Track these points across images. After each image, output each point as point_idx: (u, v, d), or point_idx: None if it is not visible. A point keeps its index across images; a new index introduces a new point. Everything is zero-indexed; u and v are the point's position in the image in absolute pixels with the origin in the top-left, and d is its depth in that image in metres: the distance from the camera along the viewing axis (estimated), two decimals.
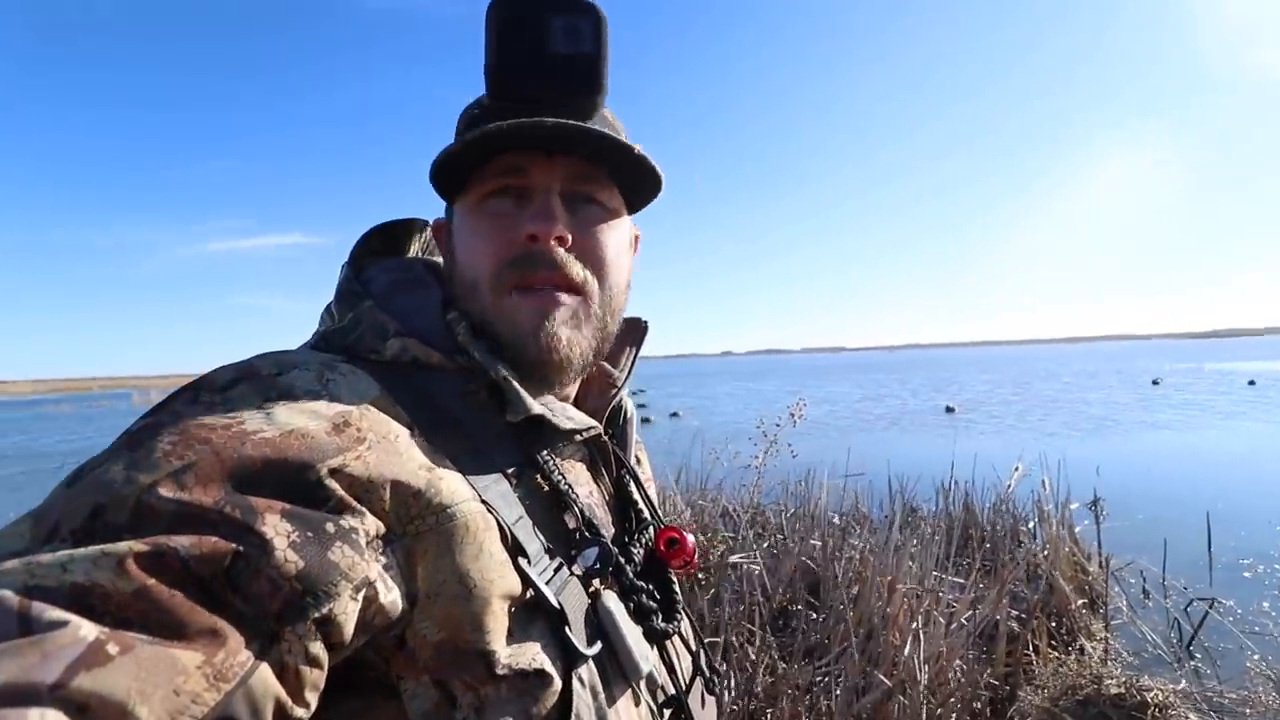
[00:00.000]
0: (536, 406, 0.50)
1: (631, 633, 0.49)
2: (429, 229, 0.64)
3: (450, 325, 0.52)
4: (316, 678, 0.36)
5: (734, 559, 2.93)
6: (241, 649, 0.32)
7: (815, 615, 2.80)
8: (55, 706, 0.26)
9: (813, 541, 3.27)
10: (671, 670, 0.55)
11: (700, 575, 2.88)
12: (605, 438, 0.59)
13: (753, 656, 2.35)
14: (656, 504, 0.64)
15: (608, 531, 0.55)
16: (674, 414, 18.75)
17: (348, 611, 0.37)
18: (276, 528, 0.35)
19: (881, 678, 2.25)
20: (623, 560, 0.52)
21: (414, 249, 0.65)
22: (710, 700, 0.61)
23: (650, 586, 0.54)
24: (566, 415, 0.53)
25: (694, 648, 0.60)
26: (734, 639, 2.46)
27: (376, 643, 0.40)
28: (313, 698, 0.36)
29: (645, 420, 17.24)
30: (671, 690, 0.54)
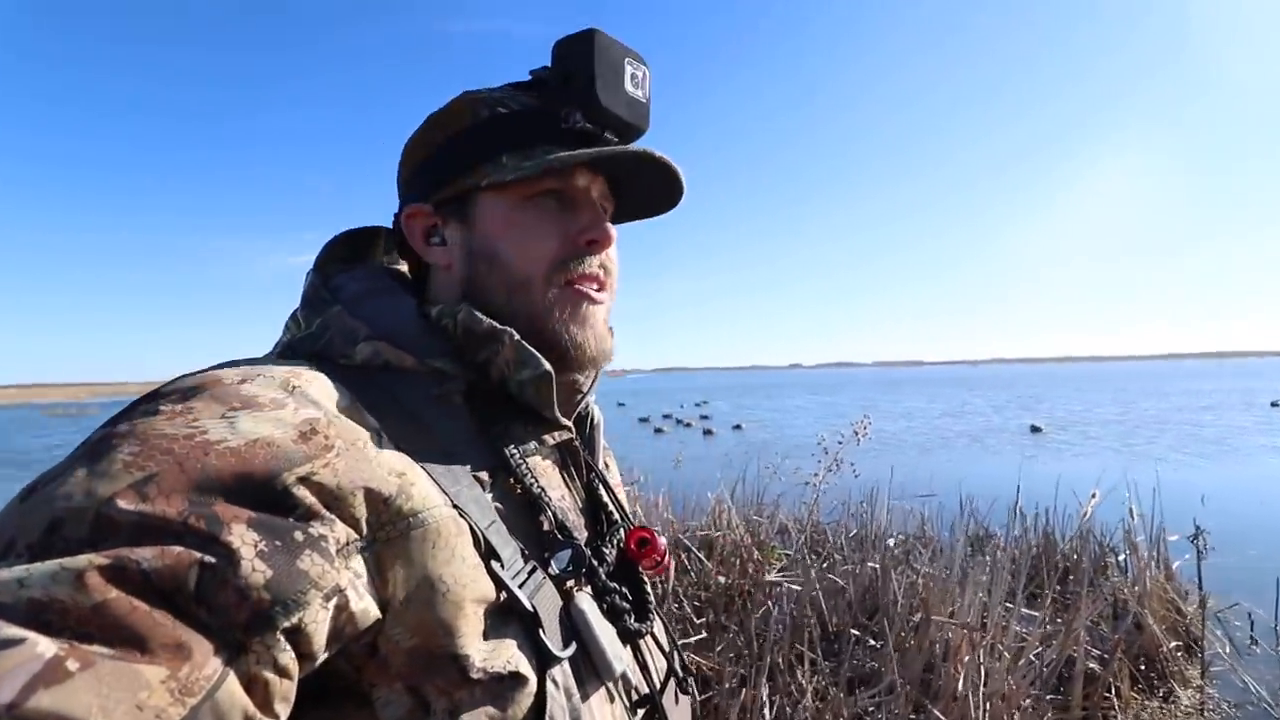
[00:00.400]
0: (546, 365, 0.52)
1: (605, 633, 0.49)
2: (405, 223, 0.59)
3: (436, 320, 0.53)
4: (286, 689, 0.36)
5: (772, 577, 2.84)
6: (207, 662, 0.32)
7: (871, 642, 2.68)
8: None
9: (871, 565, 3.13)
10: (645, 670, 0.55)
11: (750, 591, 2.82)
12: (576, 442, 0.61)
13: (800, 680, 2.27)
14: (627, 508, 0.65)
15: (580, 534, 0.56)
16: (737, 426, 18.45)
17: (318, 620, 0.37)
18: (243, 537, 0.35)
19: (938, 715, 2.12)
20: (595, 562, 0.52)
21: (380, 258, 0.65)
22: (684, 700, 0.61)
23: (623, 588, 0.54)
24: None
25: (667, 648, 0.61)
26: (780, 660, 2.38)
27: (348, 651, 0.40)
28: (283, 709, 0.36)
29: (707, 432, 17.05)
30: (645, 690, 0.54)
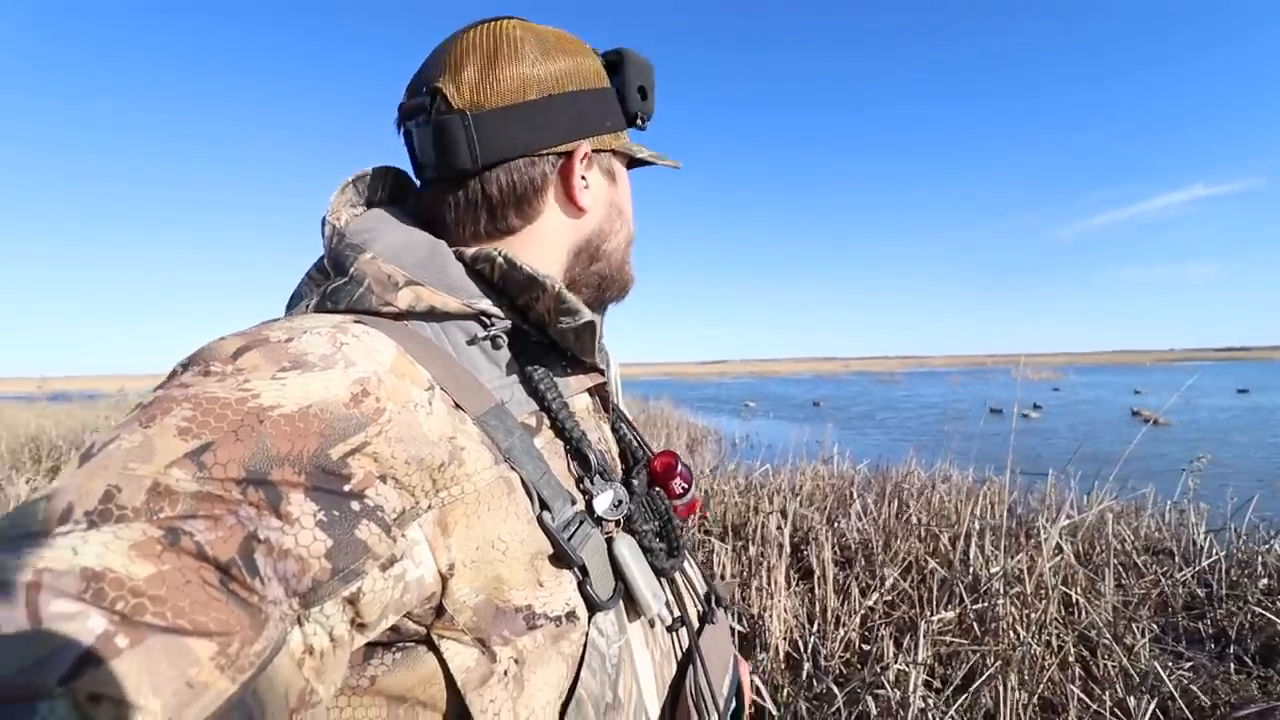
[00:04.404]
0: (588, 314, 0.53)
1: (643, 573, 0.52)
2: (570, 158, 0.57)
3: (472, 262, 0.53)
4: (341, 658, 0.36)
5: None
6: (260, 635, 0.31)
7: None
8: (63, 700, 0.25)
9: None
10: (681, 600, 0.60)
11: None
12: (607, 385, 0.64)
13: None
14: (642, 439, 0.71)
15: (617, 474, 0.60)
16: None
17: (375, 590, 0.37)
18: (302, 506, 0.35)
19: None
20: (631, 502, 0.55)
21: (382, 199, 0.61)
22: (722, 619, 0.67)
23: (657, 522, 0.58)
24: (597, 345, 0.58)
25: (699, 583, 0.67)
26: None
27: (413, 615, 0.40)
28: (337, 677, 0.36)
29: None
30: (678, 615, 0.59)
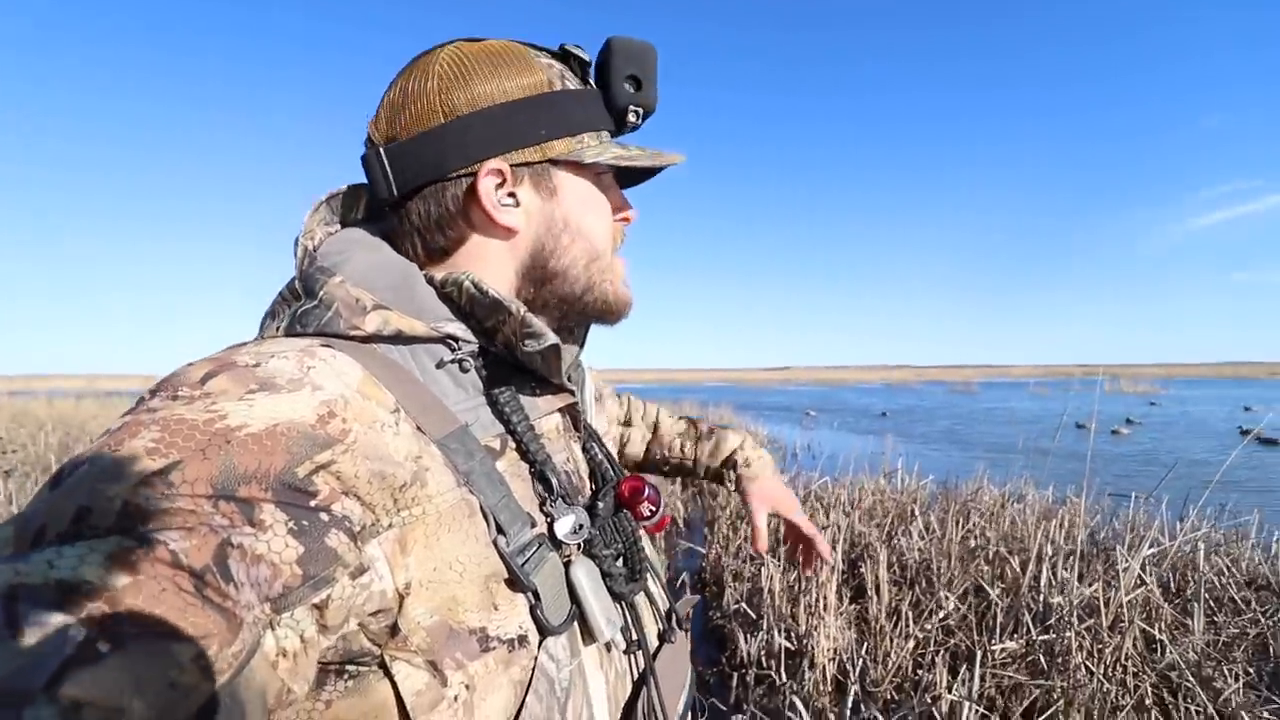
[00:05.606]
0: (552, 337, 0.53)
1: (599, 599, 0.52)
2: (483, 177, 0.54)
3: (441, 286, 0.54)
4: (313, 656, 0.37)
5: None
6: (237, 638, 0.32)
7: None
8: (47, 707, 0.26)
9: None
10: (639, 624, 0.59)
11: None
12: (578, 405, 0.63)
13: None
14: (614, 458, 0.69)
15: (584, 495, 0.60)
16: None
17: (344, 597, 0.38)
18: (274, 515, 0.36)
19: None
20: (593, 526, 0.56)
21: (356, 218, 0.61)
22: (681, 638, 0.67)
23: (620, 544, 0.58)
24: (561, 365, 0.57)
25: (661, 602, 0.66)
26: None
27: (369, 630, 0.41)
28: (311, 674, 0.38)
29: None
30: (635, 638, 0.58)
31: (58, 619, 0.28)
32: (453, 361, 0.52)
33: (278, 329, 0.51)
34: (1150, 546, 2.56)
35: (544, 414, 0.58)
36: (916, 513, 3.91)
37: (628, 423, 1.08)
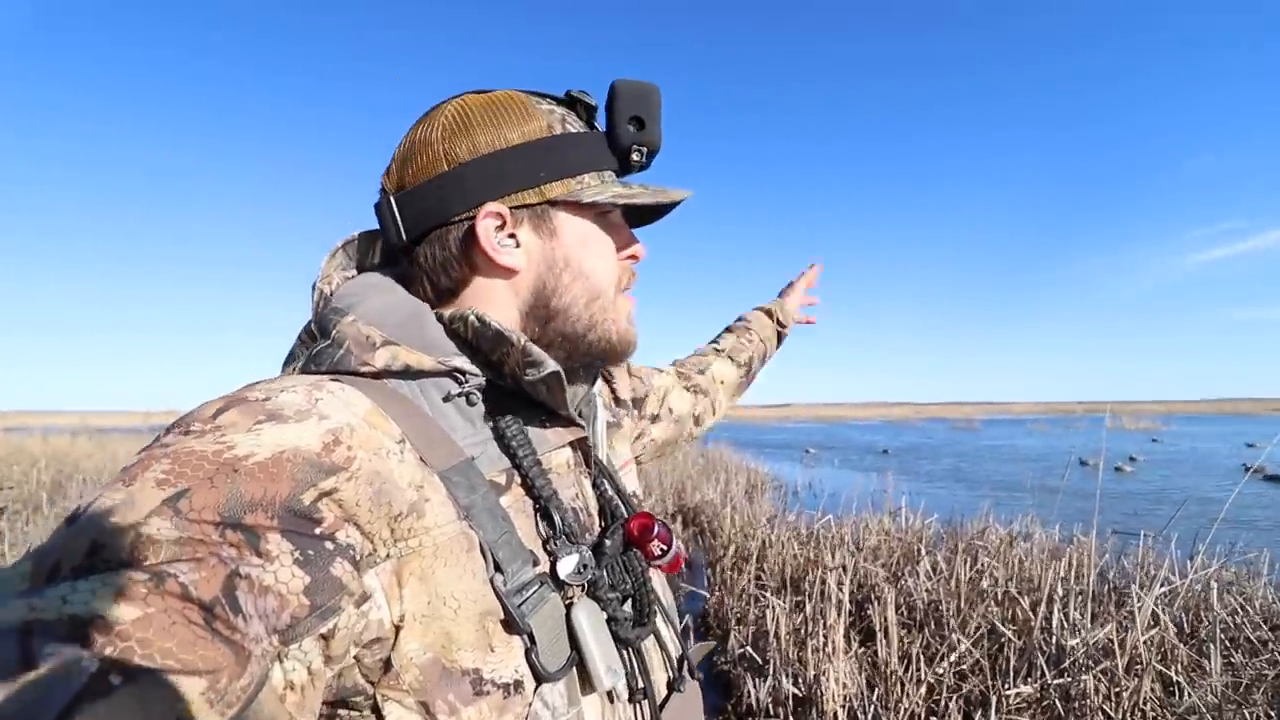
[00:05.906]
0: (552, 364, 0.53)
1: (601, 644, 0.50)
2: (482, 219, 0.56)
3: (449, 323, 0.55)
4: (320, 688, 0.38)
5: None
6: (245, 671, 0.33)
7: None
8: None
9: None
10: (646, 672, 0.57)
11: None
12: (589, 440, 0.63)
13: None
14: (633, 492, 0.68)
15: (593, 532, 0.59)
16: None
17: (349, 625, 0.38)
18: (279, 545, 0.36)
19: None
20: (600, 566, 0.54)
21: (373, 261, 0.64)
22: (692, 685, 0.64)
23: (629, 584, 0.57)
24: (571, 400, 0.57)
25: (672, 648, 0.64)
26: None
27: (363, 665, 0.41)
28: (317, 706, 0.38)
29: None
30: (640, 686, 0.56)
31: (70, 653, 0.29)
32: (460, 395, 0.53)
33: (294, 370, 0.53)
34: (1161, 586, 2.52)
35: (554, 448, 0.58)
36: (923, 552, 3.85)
37: (701, 371, 1.06)
